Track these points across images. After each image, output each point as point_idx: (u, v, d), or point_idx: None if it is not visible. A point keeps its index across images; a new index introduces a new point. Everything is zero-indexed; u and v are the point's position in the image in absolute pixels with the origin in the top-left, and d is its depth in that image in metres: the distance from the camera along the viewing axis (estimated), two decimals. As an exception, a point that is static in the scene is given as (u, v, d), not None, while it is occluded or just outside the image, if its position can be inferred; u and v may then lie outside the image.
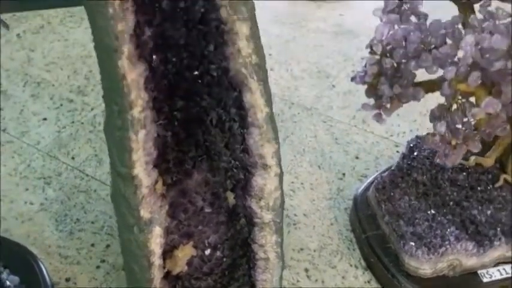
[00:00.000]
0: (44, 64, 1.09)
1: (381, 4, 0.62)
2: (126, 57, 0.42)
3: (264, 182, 0.50)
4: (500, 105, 0.44)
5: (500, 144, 0.66)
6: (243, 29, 0.43)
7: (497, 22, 0.47)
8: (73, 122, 0.95)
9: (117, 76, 0.42)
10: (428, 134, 0.51)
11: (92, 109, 0.98)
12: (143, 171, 0.47)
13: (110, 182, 0.53)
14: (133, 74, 0.43)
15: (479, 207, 0.68)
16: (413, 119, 0.95)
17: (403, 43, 0.55)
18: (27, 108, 0.98)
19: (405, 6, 0.60)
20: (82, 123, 0.95)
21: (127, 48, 0.42)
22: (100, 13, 0.40)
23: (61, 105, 0.99)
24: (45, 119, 0.96)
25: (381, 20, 0.61)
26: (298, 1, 1.33)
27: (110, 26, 0.40)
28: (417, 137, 0.79)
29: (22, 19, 1.22)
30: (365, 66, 0.60)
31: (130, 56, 0.42)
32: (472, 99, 0.48)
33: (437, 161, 0.51)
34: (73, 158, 0.88)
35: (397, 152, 0.89)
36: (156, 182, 0.50)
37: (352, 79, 0.63)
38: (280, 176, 0.50)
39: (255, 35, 0.44)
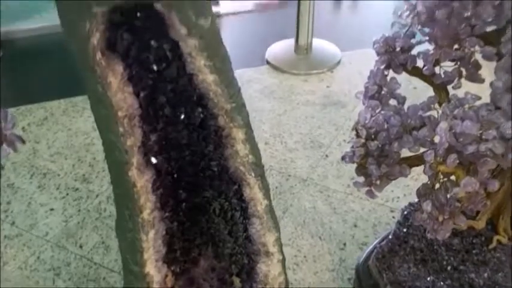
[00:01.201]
0: (49, 155, 1.14)
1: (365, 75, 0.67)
2: (135, 167, 0.46)
3: (268, 268, 0.53)
4: (478, 184, 0.48)
5: (489, 208, 0.70)
6: (239, 134, 0.48)
7: (466, 107, 0.53)
8: (79, 211, 0.98)
9: (128, 184, 0.46)
10: (416, 211, 0.55)
11: (97, 196, 1.02)
12: (154, 269, 0.50)
13: (123, 277, 0.56)
14: (142, 180, 0.47)
15: (476, 270, 0.70)
16: (406, 184, 0.99)
17: (385, 126, 0.60)
18: (34, 200, 1.01)
19: (384, 91, 0.66)
20: (88, 210, 0.98)
21: (136, 159, 0.46)
22: (110, 130, 0.45)
23: (67, 194, 1.03)
24: (52, 209, 0.99)
25: (363, 104, 0.67)
26: (285, 75, 1.41)
27: (120, 142, 0.45)
28: (410, 204, 0.82)
29: (26, 112, 1.28)
30: (352, 147, 0.64)
31: (139, 165, 0.47)
32: (453, 177, 0.53)
33: (429, 235, 0.54)
34: (81, 247, 0.91)
35: (393, 217, 0.92)
36: (166, 276, 0.53)
37: (342, 158, 0.68)
38: (283, 261, 0.53)
39: (250, 138, 0.49)
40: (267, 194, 0.51)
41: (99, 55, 0.40)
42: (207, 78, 0.44)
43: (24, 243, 0.92)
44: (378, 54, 0.65)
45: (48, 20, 1.68)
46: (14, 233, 0.94)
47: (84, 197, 1.02)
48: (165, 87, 0.48)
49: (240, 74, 1.38)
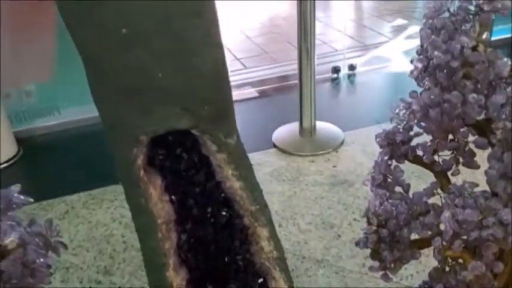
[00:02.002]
0: (71, 248, 1.18)
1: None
2: (172, 268, 0.51)
3: None
4: (484, 267, 0.52)
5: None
6: (263, 232, 0.53)
7: (466, 194, 0.58)
8: (103, 304, 1.01)
9: (166, 284, 0.51)
10: (431, 294, 0.59)
11: (119, 288, 1.05)
12: None
13: None
14: (178, 279, 0.52)
15: None
16: (418, 261, 1.02)
17: (394, 213, 0.66)
18: (59, 295, 1.04)
19: (390, 179, 0.72)
20: (111, 303, 1.01)
21: (172, 260, 0.51)
22: (151, 237, 0.50)
23: (90, 287, 1.06)
24: (76, 303, 1.02)
25: (371, 191, 0.72)
26: (292, 157, 1.48)
27: (159, 247, 0.50)
28: (424, 282, 0.85)
29: (48, 207, 1.34)
30: (365, 233, 0.69)
31: (175, 266, 0.51)
32: (461, 260, 0.57)
33: (444, 316, 0.58)
34: None
35: (409, 295, 0.94)
36: None
37: (356, 244, 0.72)
38: None
39: (274, 235, 0.54)
40: (291, 286, 0.55)
41: (142, 172, 0.46)
42: (234, 185, 0.50)
43: None
44: (381, 146, 0.71)
45: (65, 116, 1.78)
46: (40, 330, 0.96)
47: (107, 290, 1.05)
48: (195, 191, 0.54)
49: (250, 158, 1.45)
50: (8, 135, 1.63)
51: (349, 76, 2.06)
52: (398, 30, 2.64)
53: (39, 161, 1.62)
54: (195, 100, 0.45)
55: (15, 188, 0.47)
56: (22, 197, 0.48)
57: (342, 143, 1.52)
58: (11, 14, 1.61)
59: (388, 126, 0.74)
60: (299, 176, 1.39)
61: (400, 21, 2.79)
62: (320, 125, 1.60)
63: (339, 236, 1.14)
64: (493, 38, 2.06)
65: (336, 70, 2.06)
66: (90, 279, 1.08)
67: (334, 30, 2.77)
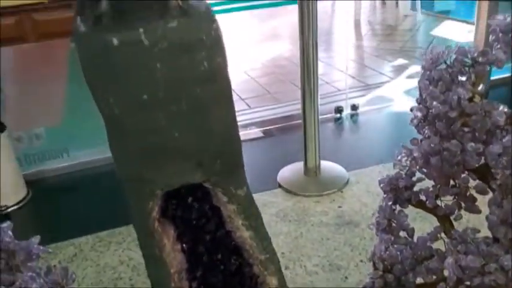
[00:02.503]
0: (79, 292, 1.19)
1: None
2: (183, 317, 0.52)
3: None
4: (489, 312, 0.54)
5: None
6: (272, 281, 0.55)
7: (468, 239, 0.60)
8: None
9: (178, 333, 0.52)
10: None
11: (127, 332, 1.05)
12: None
13: None
14: (189, 328, 0.53)
15: None
16: (425, 303, 1.03)
17: (399, 258, 0.67)
18: None
19: (394, 223, 0.74)
20: None
21: (184, 309, 0.53)
22: (164, 287, 0.52)
23: (98, 332, 1.06)
24: None
25: (376, 235, 0.74)
26: (298, 197, 1.50)
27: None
28: (432, 325, 0.86)
29: (56, 250, 1.35)
30: (372, 278, 0.71)
31: (187, 314, 0.53)
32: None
33: None
34: None
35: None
36: None
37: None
38: None
39: (283, 284, 0.56)
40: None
41: (156, 224, 0.49)
42: (244, 234, 0.52)
43: None
44: (385, 192, 0.74)
45: (75, 158, 1.82)
46: None
47: (115, 334, 1.05)
48: (205, 240, 0.56)
49: (256, 198, 1.46)
50: (18, 178, 1.66)
51: (351, 116, 2.10)
52: (399, 69, 2.70)
53: (48, 203, 1.64)
54: (208, 156, 0.48)
55: (35, 239, 0.49)
56: (41, 247, 0.50)
57: (347, 182, 1.54)
58: (22, 58, 1.68)
59: (391, 167, 0.76)
60: (305, 216, 1.40)
61: (400, 61, 2.85)
62: (324, 164, 1.63)
63: (346, 278, 1.15)
64: (492, 77, 2.10)
65: (339, 110, 2.10)
66: (99, 324, 1.08)
67: (336, 70, 2.84)
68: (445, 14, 3.50)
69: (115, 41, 0.42)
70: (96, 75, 0.46)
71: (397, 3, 4.06)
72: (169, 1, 0.43)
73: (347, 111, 2.11)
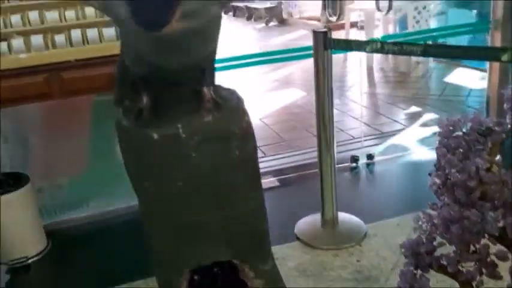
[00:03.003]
0: None
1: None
2: None
3: None
4: None
5: None
6: None
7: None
8: None
9: None
10: None
11: None
12: None
13: None
14: None
15: None
16: None
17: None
18: None
19: (416, 288, 0.74)
20: None
21: None
22: None
23: None
24: None
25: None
26: (316, 251, 1.49)
27: None
28: None
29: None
30: None
31: None
32: None
33: None
34: None
35: None
36: None
37: None
38: None
39: None
40: None
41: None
42: (271, 306, 0.54)
43: None
44: (406, 256, 0.74)
45: (95, 208, 1.84)
46: None
47: None
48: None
49: (275, 251, 1.46)
50: (38, 229, 1.69)
51: (367, 165, 2.12)
52: (413, 117, 2.72)
53: (68, 255, 1.66)
54: (237, 236, 0.50)
55: None
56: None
57: (365, 235, 1.54)
58: (48, 113, 1.74)
59: (409, 220, 0.77)
60: (323, 270, 1.40)
61: (414, 109, 2.88)
62: (342, 216, 1.63)
63: (366, 336, 1.14)
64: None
65: (355, 159, 2.12)
66: None
67: (350, 117, 2.87)
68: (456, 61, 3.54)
69: (155, 136, 0.46)
70: (136, 164, 0.49)
71: (408, 49, 4.11)
72: (204, 96, 0.46)
73: (363, 161, 2.12)
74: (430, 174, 0.79)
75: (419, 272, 0.76)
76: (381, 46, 1.31)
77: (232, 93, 0.58)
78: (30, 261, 1.61)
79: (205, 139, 0.49)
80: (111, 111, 1.71)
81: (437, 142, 0.76)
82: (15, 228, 1.59)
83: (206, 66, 0.61)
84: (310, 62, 1.57)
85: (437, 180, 0.72)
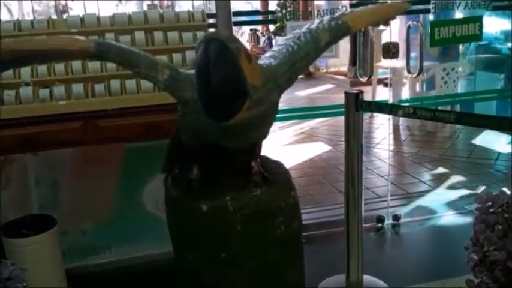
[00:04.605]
0: None
1: None
2: None
3: None
4: None
5: None
6: None
7: None
8: None
9: None
10: None
11: None
12: None
13: None
14: None
15: None
16: None
17: None
18: None
19: None
20: None
21: None
22: None
23: None
24: None
25: None
26: None
27: None
28: None
29: None
30: None
31: None
32: None
33: None
34: None
35: None
36: None
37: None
38: None
39: None
40: None
41: None
42: None
43: None
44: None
45: (117, 254, 1.84)
46: None
47: None
48: None
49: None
50: (60, 273, 1.68)
51: (393, 226, 2.08)
52: (440, 179, 2.68)
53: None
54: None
55: None
56: None
57: (390, 302, 1.50)
58: (80, 158, 1.77)
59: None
60: None
61: (441, 170, 2.85)
62: (367, 279, 1.59)
63: None
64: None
65: (381, 220, 2.08)
66: None
67: (376, 175, 2.85)
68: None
69: (204, 207, 0.47)
70: (181, 234, 0.50)
71: (435, 109, 4.10)
72: (253, 169, 0.48)
73: (389, 221, 2.08)
74: (466, 248, 0.78)
75: None
76: (413, 111, 1.31)
77: (279, 166, 0.59)
78: (49, 305, 1.60)
79: (252, 213, 0.49)
80: (141, 161, 1.76)
81: (475, 217, 0.75)
82: (35, 269, 1.59)
83: (259, 142, 0.63)
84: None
85: (475, 256, 0.71)
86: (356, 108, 1.50)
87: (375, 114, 4.22)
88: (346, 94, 1.53)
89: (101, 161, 1.79)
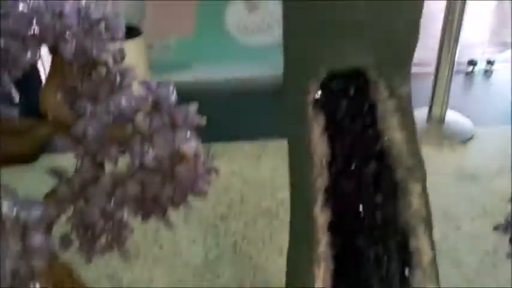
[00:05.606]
0: (193, 192, 1.25)
1: None
2: (319, 206, 0.53)
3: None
4: None
5: None
6: (416, 187, 0.53)
7: None
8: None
9: (312, 220, 0.53)
10: None
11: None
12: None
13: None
14: (321, 219, 0.54)
15: None
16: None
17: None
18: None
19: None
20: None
21: (320, 199, 0.53)
22: (305, 172, 0.52)
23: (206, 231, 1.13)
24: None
25: None
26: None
27: (312, 183, 0.52)
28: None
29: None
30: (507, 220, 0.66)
31: (322, 205, 0.53)
32: None
33: None
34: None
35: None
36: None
37: (495, 229, 0.69)
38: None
39: (425, 193, 0.53)
40: (433, 245, 0.54)
41: (310, 108, 0.48)
42: (396, 136, 0.50)
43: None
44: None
45: (197, 73, 1.88)
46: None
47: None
48: (351, 135, 0.55)
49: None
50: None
51: (485, 71, 1.93)
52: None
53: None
54: (383, 44, 0.45)
55: (192, 107, 0.50)
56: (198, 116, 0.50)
57: (472, 136, 1.44)
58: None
59: None
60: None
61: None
62: (450, 115, 1.53)
63: (457, 229, 1.09)
64: None
65: (473, 63, 1.94)
66: (208, 223, 1.15)
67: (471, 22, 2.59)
68: None
69: None
70: None
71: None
72: None
73: (481, 66, 1.94)
74: None
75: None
76: None
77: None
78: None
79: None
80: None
81: None
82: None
83: None
84: None
85: None
86: None
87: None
88: None
89: None
